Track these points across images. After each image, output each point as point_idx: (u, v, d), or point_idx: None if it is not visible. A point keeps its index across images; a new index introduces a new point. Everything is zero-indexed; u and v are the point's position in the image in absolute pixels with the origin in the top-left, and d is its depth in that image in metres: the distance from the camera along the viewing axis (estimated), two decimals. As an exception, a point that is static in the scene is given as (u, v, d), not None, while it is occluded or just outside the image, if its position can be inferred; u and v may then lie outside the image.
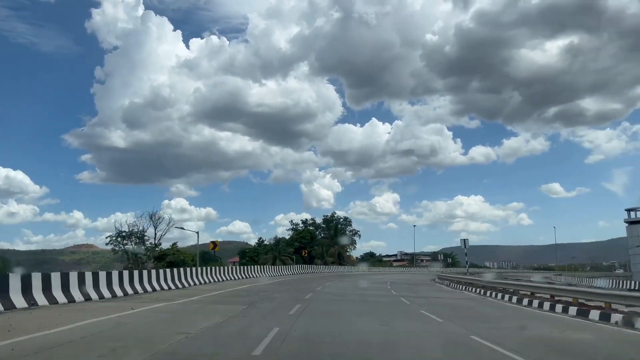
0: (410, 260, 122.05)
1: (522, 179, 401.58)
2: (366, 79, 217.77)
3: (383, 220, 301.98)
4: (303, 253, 78.25)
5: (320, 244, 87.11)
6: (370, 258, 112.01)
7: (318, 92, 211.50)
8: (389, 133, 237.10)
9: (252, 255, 77.73)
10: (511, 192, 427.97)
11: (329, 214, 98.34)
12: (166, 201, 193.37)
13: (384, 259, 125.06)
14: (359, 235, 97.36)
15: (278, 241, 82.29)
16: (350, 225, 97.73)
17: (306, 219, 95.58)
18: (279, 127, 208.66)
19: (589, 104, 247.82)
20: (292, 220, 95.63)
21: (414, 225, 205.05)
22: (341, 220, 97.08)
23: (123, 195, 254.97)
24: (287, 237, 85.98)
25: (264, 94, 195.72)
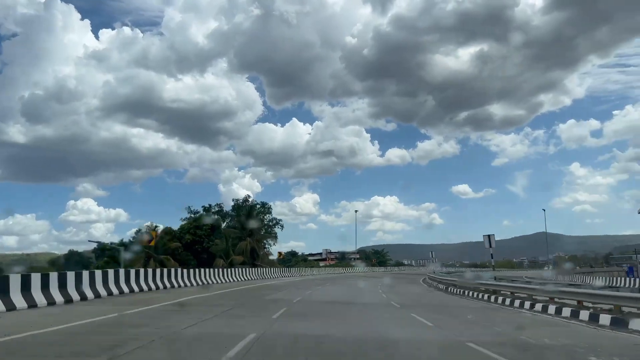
0: (341, 258, 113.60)
1: (434, 181, 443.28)
2: (287, 79, 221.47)
3: (303, 221, 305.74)
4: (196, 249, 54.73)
5: (225, 236, 58.29)
6: (293, 257, 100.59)
7: (237, 90, 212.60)
8: (310, 134, 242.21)
9: (112, 255, 50.55)
10: (424, 193, 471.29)
11: (241, 199, 68.07)
12: (72, 202, 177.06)
13: (309, 257, 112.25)
14: (281, 226, 69.90)
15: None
16: (270, 213, 69.84)
17: (210, 205, 65.89)
18: (195, 125, 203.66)
19: (497, 110, 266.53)
20: (189, 207, 62.93)
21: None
22: (258, 205, 68.39)
23: (22, 196, 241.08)
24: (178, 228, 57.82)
25: (179, 89, 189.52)
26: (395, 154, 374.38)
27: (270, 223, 68.58)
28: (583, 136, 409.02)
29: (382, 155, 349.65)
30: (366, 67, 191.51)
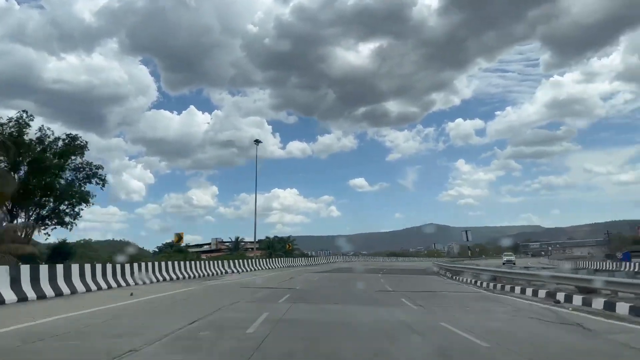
0: (234, 247, 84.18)
1: (332, 174, 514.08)
2: (184, 64, 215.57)
3: (200, 213, 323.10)
4: None
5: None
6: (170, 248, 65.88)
7: (129, 73, 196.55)
8: (209, 123, 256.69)
9: None
10: (323, 185, 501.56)
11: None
12: None
13: (190, 248, 77.44)
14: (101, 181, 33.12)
15: None
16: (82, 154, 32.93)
17: None
18: (81, 109, 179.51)
19: (393, 106, 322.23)
20: None
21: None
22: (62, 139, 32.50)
23: None
24: None
25: (63, 69, 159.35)
26: (297, 147, 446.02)
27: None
28: (469, 134, 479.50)
29: (283, 148, 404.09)
30: (268, 57, 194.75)
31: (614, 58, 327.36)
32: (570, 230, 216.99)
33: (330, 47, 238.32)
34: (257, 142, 49.94)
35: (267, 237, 78.05)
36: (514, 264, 43.79)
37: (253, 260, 39.17)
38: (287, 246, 70.27)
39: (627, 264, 43.03)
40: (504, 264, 44.01)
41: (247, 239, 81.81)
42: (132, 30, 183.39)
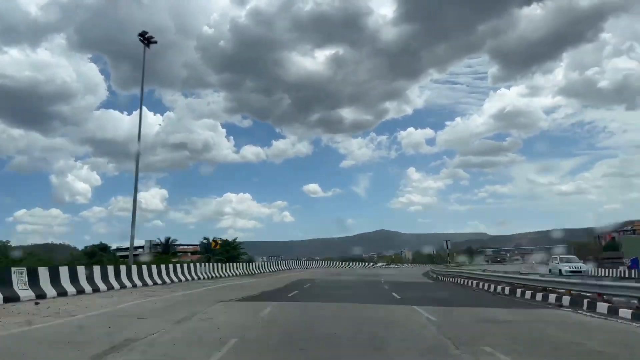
0: (164, 250, 67.01)
1: (287, 179, 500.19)
2: (136, 63, 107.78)
3: (148, 218, 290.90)
4: None
5: None
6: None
7: (78, 71, 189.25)
8: (160, 124, 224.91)
9: None
10: (277, 191, 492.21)
11: None
12: None
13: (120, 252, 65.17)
14: None
15: None
16: None
17: None
18: (24, 106, 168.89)
19: (347, 114, 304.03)
20: None
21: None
22: None
23: None
24: None
25: (5, 63, 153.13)
26: (251, 151, 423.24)
27: None
28: (420, 143, 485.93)
29: (237, 152, 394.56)
30: (223, 60, 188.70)
31: (557, 74, 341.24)
32: (516, 238, 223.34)
33: (286, 52, 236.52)
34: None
35: (205, 239, 62.06)
36: (581, 272, 31.75)
37: (181, 266, 27.95)
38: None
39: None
40: (563, 272, 31.18)
41: (181, 242, 75.48)
42: (81, 26, 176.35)
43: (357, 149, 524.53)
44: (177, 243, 72.95)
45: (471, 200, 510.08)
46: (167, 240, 70.54)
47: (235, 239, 60.02)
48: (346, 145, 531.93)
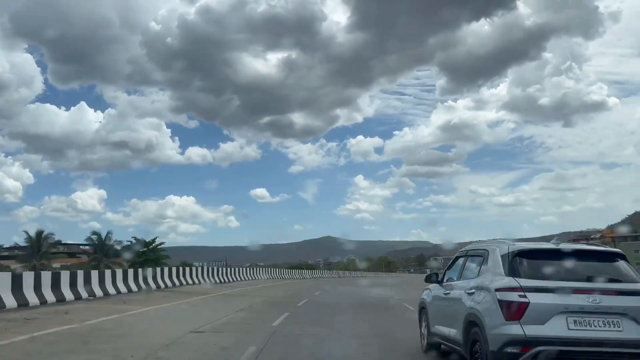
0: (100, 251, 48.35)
1: (233, 183, 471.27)
2: (76, 56, 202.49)
3: (84, 219, 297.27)
4: None
5: None
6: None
7: (11, 61, 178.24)
8: (100, 122, 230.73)
9: None
10: (223, 194, 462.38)
11: None
12: None
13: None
14: None
15: None
16: None
17: None
18: None
19: (298, 118, 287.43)
20: None
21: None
22: None
23: None
24: None
25: None
26: (196, 153, 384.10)
27: None
28: (368, 151, 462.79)
29: (182, 153, 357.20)
30: (169, 57, 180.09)
31: (501, 89, 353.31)
32: (460, 247, 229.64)
33: (237, 52, 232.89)
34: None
35: (95, 234, 49.19)
36: None
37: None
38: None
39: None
40: None
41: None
42: (16, 13, 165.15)
43: (306, 154, 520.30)
44: (54, 241, 52.11)
45: (416, 209, 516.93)
46: (40, 235, 49.06)
47: (154, 238, 45.76)
48: (295, 151, 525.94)
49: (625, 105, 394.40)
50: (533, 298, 4.96)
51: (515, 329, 4.91)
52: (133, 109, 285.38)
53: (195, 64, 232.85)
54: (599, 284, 5.17)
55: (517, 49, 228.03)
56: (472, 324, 5.58)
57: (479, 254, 6.33)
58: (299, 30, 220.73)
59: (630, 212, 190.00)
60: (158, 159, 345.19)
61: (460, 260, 7.01)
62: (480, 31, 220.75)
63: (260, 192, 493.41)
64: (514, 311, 4.96)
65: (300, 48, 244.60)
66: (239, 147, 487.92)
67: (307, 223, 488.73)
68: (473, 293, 5.77)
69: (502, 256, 5.56)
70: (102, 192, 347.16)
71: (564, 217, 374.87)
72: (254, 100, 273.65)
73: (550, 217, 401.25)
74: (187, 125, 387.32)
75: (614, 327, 4.90)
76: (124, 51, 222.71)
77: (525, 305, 4.93)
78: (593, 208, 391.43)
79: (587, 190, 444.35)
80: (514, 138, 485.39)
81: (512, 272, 5.30)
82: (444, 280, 7.29)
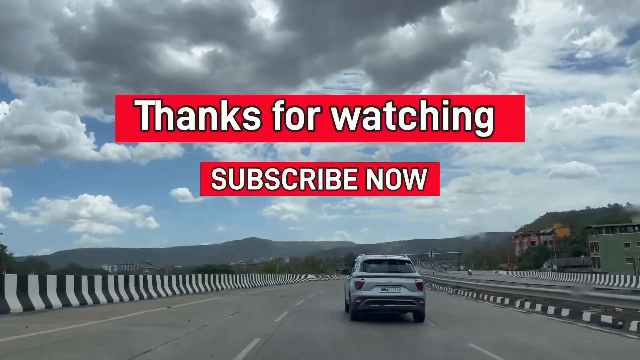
0: None
1: (153, 182, 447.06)
2: None
3: None
4: None
5: None
6: None
7: None
8: (5, 113, 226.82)
9: None
10: (142, 194, 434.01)
11: None
12: None
13: None
14: None
15: None
16: None
17: None
18: None
19: None
20: None
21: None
22: None
23: None
24: None
25: None
26: (114, 150, 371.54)
27: None
28: (295, 152, 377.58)
29: (97, 150, 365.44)
30: (84, 47, 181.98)
31: (424, 94, 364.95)
32: (383, 246, 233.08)
33: (158, 44, 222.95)
34: None
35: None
36: None
37: None
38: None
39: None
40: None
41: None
42: None
43: (232, 153, 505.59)
44: None
45: (340, 210, 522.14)
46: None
47: None
48: (220, 149, 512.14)
49: (534, 115, 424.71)
50: (366, 279, 11.33)
51: (359, 293, 11.31)
52: (43, 100, 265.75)
53: (113, 55, 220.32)
54: (393, 273, 11.61)
55: (440, 56, 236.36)
56: (348, 291, 12.43)
57: (356, 261, 13.14)
58: (226, 24, 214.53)
59: (542, 213, 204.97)
60: (71, 155, 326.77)
61: (355, 264, 13.00)
62: (405, 37, 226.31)
63: (182, 191, 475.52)
64: (359, 285, 11.35)
65: (227, 43, 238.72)
66: (159, 144, 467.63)
67: (232, 224, 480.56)
68: (351, 279, 12.21)
69: (361, 262, 12.11)
70: (7, 190, 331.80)
71: (478, 218, 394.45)
72: (177, 94, 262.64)
73: (465, 219, 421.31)
74: (103, 120, 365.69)
75: (397, 291, 11.21)
76: (34, 37, 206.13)
77: (362, 283, 11.30)
78: (505, 210, 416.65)
79: (500, 194, 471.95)
80: (433, 143, 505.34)
81: (363, 269, 11.72)
82: (350, 273, 13.15)
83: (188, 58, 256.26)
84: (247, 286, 34.36)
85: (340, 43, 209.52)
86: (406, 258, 12.15)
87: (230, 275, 33.06)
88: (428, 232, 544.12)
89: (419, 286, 11.20)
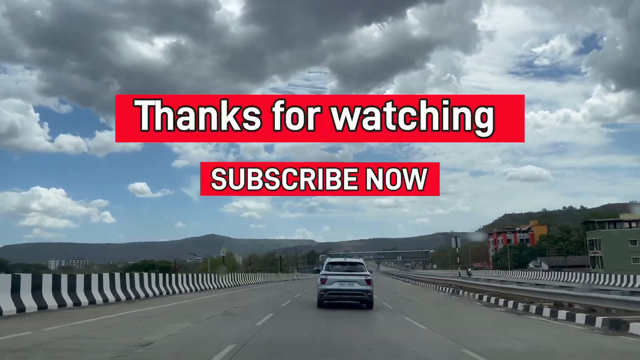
0: None
1: (110, 176, 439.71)
2: None
3: None
4: None
5: None
6: None
7: None
8: None
9: None
10: (97, 188, 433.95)
11: None
12: None
13: None
14: None
15: None
16: None
17: None
18: None
19: None
20: None
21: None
22: None
23: None
24: None
25: None
26: (69, 141, 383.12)
27: None
28: (258, 149, 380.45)
29: (51, 140, 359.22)
30: (39, 32, 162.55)
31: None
32: (344, 245, 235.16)
33: (118, 32, 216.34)
34: None
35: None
36: None
37: None
38: None
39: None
40: None
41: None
42: None
43: (192, 148, 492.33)
44: None
45: (302, 209, 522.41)
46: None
47: None
48: (180, 144, 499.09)
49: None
50: (329, 277, 15.43)
51: (323, 286, 15.41)
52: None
53: (69, 42, 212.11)
54: (349, 272, 15.65)
55: (404, 57, 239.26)
56: (317, 285, 15.99)
57: (323, 262, 20.30)
58: (190, 16, 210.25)
59: (501, 215, 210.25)
60: (23, 145, 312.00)
61: (323, 264, 16.80)
62: (371, 36, 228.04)
63: (140, 186, 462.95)
64: (323, 281, 15.46)
65: (191, 35, 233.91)
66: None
67: (191, 221, 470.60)
68: (319, 276, 15.98)
69: (326, 263, 16.57)
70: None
71: (436, 219, 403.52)
72: (137, 86, 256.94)
73: (424, 219, 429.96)
74: (58, 110, 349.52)
75: (351, 286, 15.30)
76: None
77: (326, 279, 15.41)
78: (462, 211, 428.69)
79: (458, 195, 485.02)
80: (395, 144, 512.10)
81: (327, 269, 15.88)
82: (320, 271, 16.86)
83: (149, 48, 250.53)
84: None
85: (306, 40, 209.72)
86: (360, 260, 17.01)
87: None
88: (388, 232, 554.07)
89: (368, 282, 15.28)
